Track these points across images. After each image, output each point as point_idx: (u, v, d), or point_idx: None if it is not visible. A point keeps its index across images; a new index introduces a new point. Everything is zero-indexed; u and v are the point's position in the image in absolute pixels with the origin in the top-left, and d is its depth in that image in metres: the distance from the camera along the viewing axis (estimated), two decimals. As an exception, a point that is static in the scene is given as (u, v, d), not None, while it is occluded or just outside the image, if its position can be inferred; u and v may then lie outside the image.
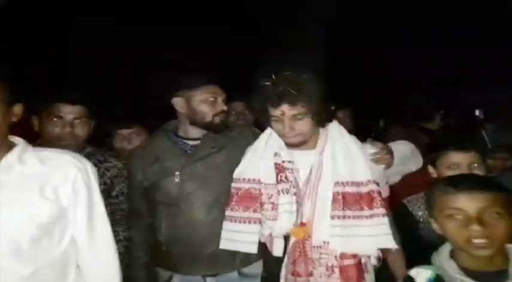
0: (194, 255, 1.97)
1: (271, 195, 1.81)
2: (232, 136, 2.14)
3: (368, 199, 1.76)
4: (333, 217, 1.74)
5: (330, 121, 1.88)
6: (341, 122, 2.82)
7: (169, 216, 2.00)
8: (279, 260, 1.83)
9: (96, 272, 1.51)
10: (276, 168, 1.84)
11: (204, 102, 2.02)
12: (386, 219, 1.74)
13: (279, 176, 1.82)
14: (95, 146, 2.24)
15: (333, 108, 1.86)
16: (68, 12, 5.89)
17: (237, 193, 1.87)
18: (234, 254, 1.93)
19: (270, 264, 1.90)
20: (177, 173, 1.98)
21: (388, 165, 1.90)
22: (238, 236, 1.84)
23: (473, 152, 1.89)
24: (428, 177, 1.97)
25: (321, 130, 1.88)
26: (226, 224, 1.88)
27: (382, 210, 1.75)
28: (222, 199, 1.94)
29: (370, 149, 1.90)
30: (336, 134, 1.87)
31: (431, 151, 2.01)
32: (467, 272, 1.27)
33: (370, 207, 1.75)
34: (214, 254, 1.93)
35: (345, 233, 1.72)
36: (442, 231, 1.37)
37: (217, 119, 2.04)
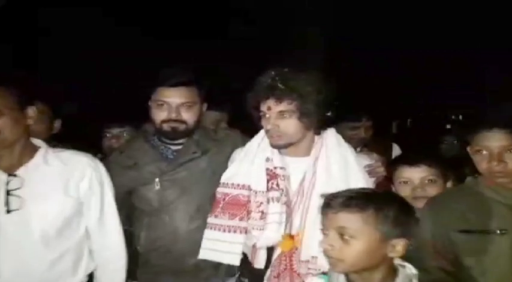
0: (176, 267, 1.84)
1: (261, 203, 1.69)
2: (217, 139, 1.99)
3: None
4: None
5: (325, 128, 1.75)
6: (365, 132, 2.91)
7: (149, 225, 1.86)
8: (261, 271, 1.72)
9: (104, 255, 1.72)
10: (267, 174, 1.72)
11: (154, 107, 1.87)
12: None
13: (269, 183, 1.70)
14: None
15: (329, 114, 1.72)
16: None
17: (224, 199, 1.74)
18: (217, 265, 1.81)
19: (251, 274, 1.77)
20: (156, 179, 1.84)
21: (380, 178, 1.83)
22: (220, 245, 1.71)
23: (424, 167, 1.81)
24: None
25: (316, 137, 1.76)
26: (208, 232, 1.74)
27: None
28: (205, 207, 1.81)
29: (365, 160, 1.82)
30: (332, 142, 1.75)
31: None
32: None
33: None
34: (197, 265, 1.80)
35: None
36: None
37: (165, 127, 1.85)
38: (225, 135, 2.04)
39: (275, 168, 1.72)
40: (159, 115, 1.85)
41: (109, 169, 1.82)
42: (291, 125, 1.66)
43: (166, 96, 1.83)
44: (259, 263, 1.71)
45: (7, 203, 1.52)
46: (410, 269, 1.28)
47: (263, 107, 1.67)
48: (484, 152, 1.50)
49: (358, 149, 2.58)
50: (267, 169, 1.73)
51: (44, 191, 1.57)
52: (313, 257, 1.64)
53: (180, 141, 1.91)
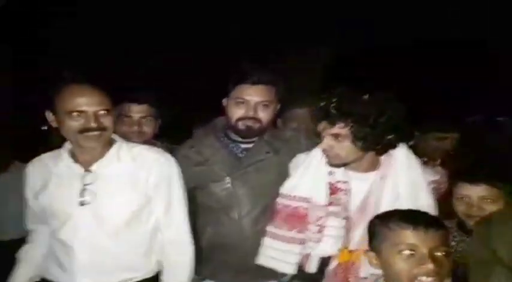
0: (239, 265, 1.90)
1: (320, 217, 1.71)
2: (286, 139, 2.00)
3: None
4: None
5: (387, 150, 1.69)
6: (451, 143, 2.67)
7: (215, 221, 1.92)
8: (313, 275, 1.75)
9: (170, 249, 1.76)
10: (329, 188, 1.72)
11: (233, 104, 1.87)
12: None
13: (331, 197, 1.71)
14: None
15: (390, 137, 1.64)
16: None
17: (284, 210, 1.77)
18: None
19: (304, 278, 1.81)
20: (227, 178, 1.88)
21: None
22: (278, 254, 1.76)
23: (485, 186, 1.71)
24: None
25: (384, 156, 1.72)
26: (267, 240, 1.79)
27: None
28: (269, 210, 1.84)
29: (431, 175, 1.76)
30: (402, 163, 1.70)
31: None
32: None
33: None
34: (258, 265, 1.83)
35: None
36: (385, 265, 1.38)
37: (241, 125, 1.87)
38: (292, 136, 2.05)
39: (338, 182, 1.72)
40: (237, 113, 1.87)
41: (178, 162, 1.87)
42: (344, 148, 1.64)
43: (247, 94, 1.84)
44: (310, 268, 1.74)
45: (81, 197, 1.64)
46: None
47: (319, 127, 1.67)
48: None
49: (439, 161, 2.49)
50: (329, 183, 1.73)
51: (114, 187, 1.67)
52: (372, 274, 1.63)
53: (251, 139, 1.93)
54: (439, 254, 1.31)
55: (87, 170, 1.68)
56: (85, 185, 1.65)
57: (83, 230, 1.65)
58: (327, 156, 1.70)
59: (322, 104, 1.64)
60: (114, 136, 1.76)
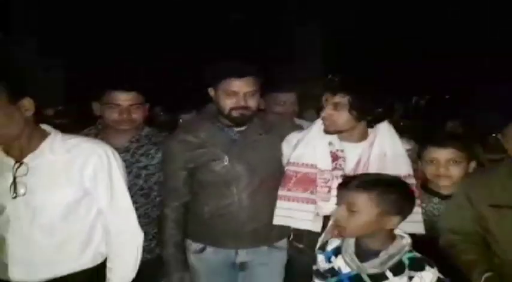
0: (236, 231, 2.15)
1: (328, 179, 2.02)
2: (272, 122, 2.29)
3: None
4: None
5: (377, 122, 2.07)
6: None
7: (217, 194, 2.15)
8: (314, 236, 2.03)
9: (119, 237, 1.79)
10: (331, 156, 2.05)
11: (223, 95, 2.09)
12: (419, 209, 2.04)
13: (334, 163, 2.04)
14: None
15: (380, 110, 2.03)
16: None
17: (296, 176, 2.07)
18: (271, 229, 2.15)
19: (307, 239, 2.09)
20: (226, 156, 2.12)
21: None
22: (294, 213, 2.05)
23: (451, 149, 2.03)
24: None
25: (370, 129, 2.09)
26: (282, 203, 2.07)
27: (417, 201, 2.01)
28: (266, 182, 2.13)
29: (406, 145, 2.15)
30: (385, 132, 2.09)
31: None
32: (358, 247, 1.66)
33: None
34: (255, 230, 2.14)
35: None
36: None
37: (234, 113, 2.10)
38: (275, 119, 2.36)
39: (337, 150, 2.06)
40: (229, 103, 2.09)
41: (176, 148, 2.13)
42: (341, 116, 1.98)
43: (236, 86, 2.07)
44: (317, 227, 2.04)
45: (14, 189, 1.63)
46: (406, 239, 1.63)
47: (323, 98, 2.02)
48: None
49: None
50: (331, 152, 2.06)
51: (47, 179, 1.65)
52: None
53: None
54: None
55: (18, 161, 1.66)
56: (16, 177, 1.63)
57: (16, 223, 1.64)
58: (325, 124, 2.03)
59: (328, 78, 2.00)
60: (48, 129, 1.74)
